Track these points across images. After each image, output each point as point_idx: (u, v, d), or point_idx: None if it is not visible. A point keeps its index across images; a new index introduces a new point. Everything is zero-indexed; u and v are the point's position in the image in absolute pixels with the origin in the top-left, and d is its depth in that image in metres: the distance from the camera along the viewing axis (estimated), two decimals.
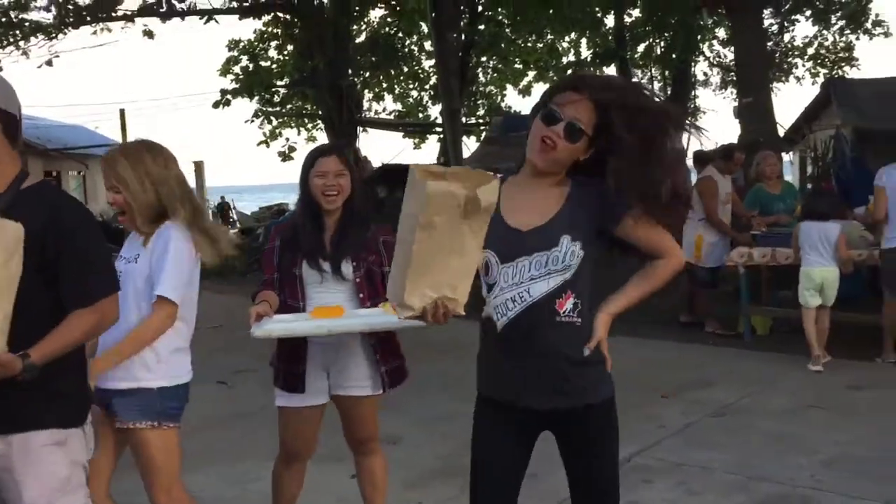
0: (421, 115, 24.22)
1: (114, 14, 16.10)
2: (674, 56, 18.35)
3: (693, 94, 20.95)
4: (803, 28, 47.20)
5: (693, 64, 20.54)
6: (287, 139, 22.61)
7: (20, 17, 15.50)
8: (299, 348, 3.02)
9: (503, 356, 2.14)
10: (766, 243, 7.07)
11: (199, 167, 28.72)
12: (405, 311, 2.01)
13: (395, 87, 23.97)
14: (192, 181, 28.36)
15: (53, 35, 15.30)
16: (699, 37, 18.89)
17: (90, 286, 2.18)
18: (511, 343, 2.10)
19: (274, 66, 22.18)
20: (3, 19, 15.28)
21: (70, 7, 15.57)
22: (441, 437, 4.75)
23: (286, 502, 3.28)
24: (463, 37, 17.30)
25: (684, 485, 3.95)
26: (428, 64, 23.03)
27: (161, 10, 17.48)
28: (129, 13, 17.16)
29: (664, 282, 2.19)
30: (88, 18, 15.90)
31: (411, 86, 24.15)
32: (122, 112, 20.37)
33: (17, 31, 15.27)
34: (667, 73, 19.95)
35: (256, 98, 21.31)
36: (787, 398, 5.33)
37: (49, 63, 15.69)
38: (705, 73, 23.07)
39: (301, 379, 3.03)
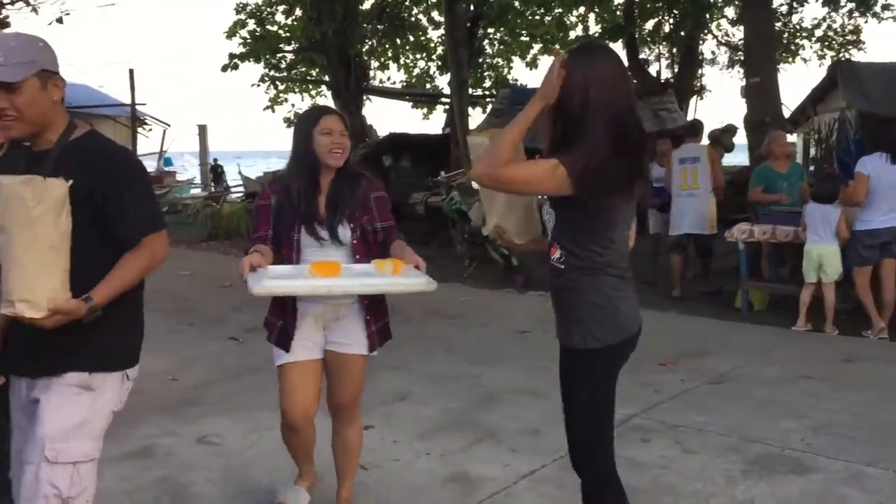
0: (428, 85, 24.20)
1: None
2: (682, 33, 18.37)
3: (700, 72, 20.97)
4: (812, 9, 46.89)
5: (701, 42, 20.55)
6: (293, 105, 22.70)
7: None
8: (291, 305, 3.05)
9: None
10: (768, 221, 7.23)
11: (202, 130, 28.79)
12: None
13: (401, 56, 23.92)
14: (195, 144, 27.86)
15: None
16: (708, 15, 18.87)
17: (136, 226, 2.28)
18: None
19: (281, 30, 22.16)
20: None
21: None
22: (448, 394, 4.93)
23: (302, 454, 3.33)
24: (472, 7, 17.29)
25: (680, 444, 4.16)
26: (435, 34, 22.99)
27: None
28: None
29: None
30: None
31: (418, 56, 24.11)
32: (131, 72, 20.29)
33: None
34: (674, 50, 19.96)
35: (263, 62, 21.34)
36: (781, 368, 5.52)
37: (59, 20, 15.62)
38: (713, 52, 22.95)
39: (291, 337, 3.06)
